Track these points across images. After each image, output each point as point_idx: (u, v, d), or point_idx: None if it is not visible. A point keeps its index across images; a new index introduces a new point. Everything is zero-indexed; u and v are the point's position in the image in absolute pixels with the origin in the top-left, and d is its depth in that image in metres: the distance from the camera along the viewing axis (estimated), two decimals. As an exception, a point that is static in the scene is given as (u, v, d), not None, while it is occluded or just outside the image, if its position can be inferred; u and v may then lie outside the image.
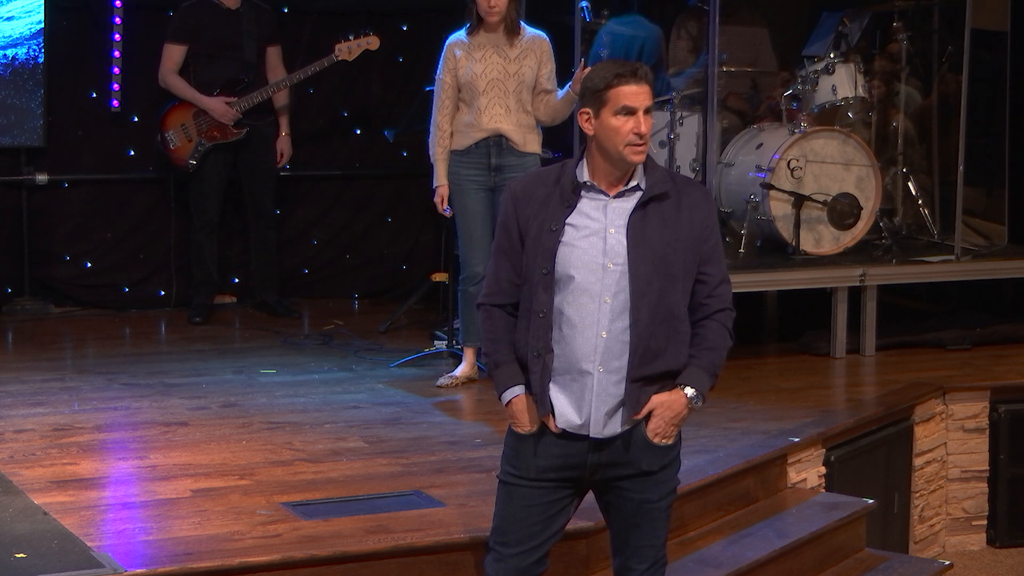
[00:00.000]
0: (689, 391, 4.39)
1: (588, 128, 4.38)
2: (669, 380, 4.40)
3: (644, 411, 4.38)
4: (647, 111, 4.34)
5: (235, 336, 8.52)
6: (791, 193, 8.02)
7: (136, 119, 8.96)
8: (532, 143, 7.11)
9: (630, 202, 4.37)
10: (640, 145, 4.32)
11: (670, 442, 4.43)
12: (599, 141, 4.36)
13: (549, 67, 7.08)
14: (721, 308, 4.45)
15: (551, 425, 4.40)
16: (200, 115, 8.55)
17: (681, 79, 8.67)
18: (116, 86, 8.85)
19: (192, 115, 8.56)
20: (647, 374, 4.36)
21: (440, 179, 7.09)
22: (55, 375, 7.41)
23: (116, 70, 8.83)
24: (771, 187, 8.03)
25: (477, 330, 6.96)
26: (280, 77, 8.67)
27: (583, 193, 4.39)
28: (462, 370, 7.24)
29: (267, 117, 8.70)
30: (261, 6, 8.74)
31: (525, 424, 4.42)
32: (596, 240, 4.34)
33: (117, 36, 8.79)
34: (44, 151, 8.77)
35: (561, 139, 8.00)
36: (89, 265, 8.99)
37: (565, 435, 4.41)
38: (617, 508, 4.49)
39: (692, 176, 8.18)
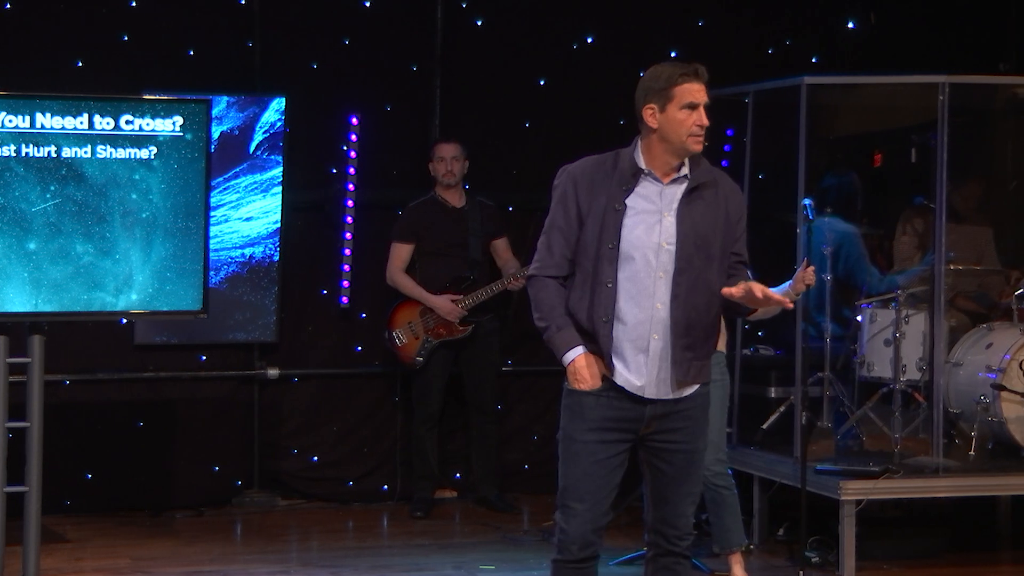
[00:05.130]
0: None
1: (652, 122, 4.94)
2: (709, 347, 4.97)
3: (740, 291, 4.84)
4: (705, 106, 4.93)
5: (456, 531, 8.56)
6: (1023, 395, 7.82)
7: (364, 316, 9.18)
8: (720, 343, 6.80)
9: (679, 189, 4.97)
10: (700, 136, 4.93)
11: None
12: (663, 133, 4.94)
13: None
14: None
15: (611, 379, 4.92)
16: (427, 313, 8.72)
17: (906, 276, 8.57)
18: (346, 283, 9.12)
19: (419, 313, 8.74)
20: (689, 342, 4.91)
21: None
22: (280, 567, 7.53)
23: (347, 268, 9.11)
24: (1002, 388, 7.82)
25: (738, 529, 6.92)
26: (513, 268, 8.79)
27: (641, 179, 4.96)
28: None
29: (490, 313, 8.85)
30: (486, 204, 8.93)
31: (587, 380, 4.93)
32: (653, 222, 4.92)
33: (348, 235, 9.07)
34: (276, 346, 9.03)
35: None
36: (316, 459, 9.16)
37: (624, 394, 4.93)
38: (667, 461, 5.00)
39: (919, 376, 8.05)
